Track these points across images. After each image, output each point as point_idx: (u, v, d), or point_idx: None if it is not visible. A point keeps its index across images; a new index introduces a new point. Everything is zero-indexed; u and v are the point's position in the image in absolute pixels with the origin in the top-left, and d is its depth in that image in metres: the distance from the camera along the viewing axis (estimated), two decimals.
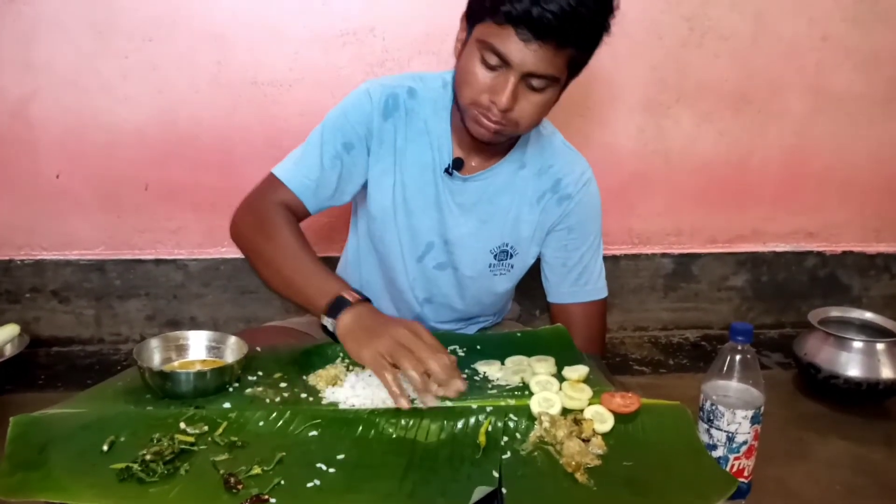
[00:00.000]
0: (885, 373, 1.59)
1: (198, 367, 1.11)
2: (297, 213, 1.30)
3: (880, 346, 1.62)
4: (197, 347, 1.17)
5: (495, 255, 1.38)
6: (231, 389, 1.08)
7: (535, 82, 1.13)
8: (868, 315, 1.77)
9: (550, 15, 1.04)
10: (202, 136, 1.87)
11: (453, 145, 1.31)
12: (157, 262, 1.95)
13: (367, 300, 1.15)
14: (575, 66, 1.16)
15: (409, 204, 1.33)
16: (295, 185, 1.29)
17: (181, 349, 1.17)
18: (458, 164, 1.31)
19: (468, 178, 1.32)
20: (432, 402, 1.03)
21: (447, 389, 1.02)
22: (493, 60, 1.11)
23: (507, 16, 1.06)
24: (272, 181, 1.30)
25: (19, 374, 1.75)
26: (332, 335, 1.14)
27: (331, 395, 1.08)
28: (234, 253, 1.96)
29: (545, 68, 1.10)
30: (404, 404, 1.00)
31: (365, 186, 1.35)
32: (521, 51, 1.08)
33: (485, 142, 1.23)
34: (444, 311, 1.45)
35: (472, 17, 1.15)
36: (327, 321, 1.12)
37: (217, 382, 1.07)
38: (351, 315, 1.09)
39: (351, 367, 1.16)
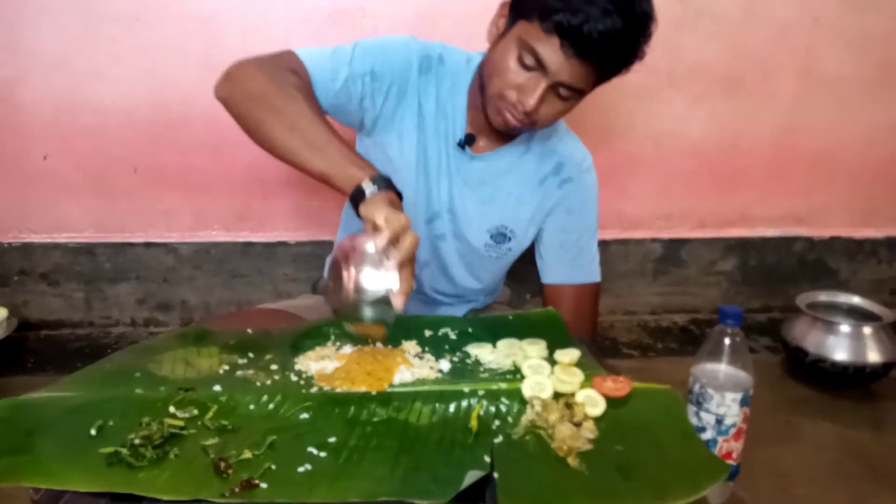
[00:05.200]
0: (872, 357, 1.60)
1: None
2: None
3: (867, 330, 1.63)
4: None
5: (492, 236, 1.40)
6: (221, 372, 1.08)
7: (563, 91, 1.17)
8: (856, 299, 1.78)
9: (597, 35, 1.07)
10: (192, 117, 1.85)
11: (466, 122, 1.33)
12: (148, 245, 1.94)
13: (389, 188, 1.05)
14: (601, 81, 1.20)
15: (429, 168, 1.35)
16: (317, 73, 1.21)
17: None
18: (469, 140, 1.33)
19: (475, 156, 1.35)
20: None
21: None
22: (530, 62, 1.14)
23: (558, 26, 1.08)
24: (290, 55, 1.22)
25: (8, 357, 1.74)
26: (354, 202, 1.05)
27: (315, 368, 1.09)
28: (226, 237, 1.96)
29: (577, 81, 1.15)
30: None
31: (372, 132, 1.34)
32: (561, 62, 1.11)
33: (500, 130, 1.26)
34: (439, 278, 1.47)
35: (518, 12, 1.16)
36: (369, 187, 1.03)
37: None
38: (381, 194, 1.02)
39: (340, 348, 1.16)
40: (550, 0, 1.09)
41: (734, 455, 1.04)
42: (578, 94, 1.19)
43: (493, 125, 1.26)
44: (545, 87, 1.15)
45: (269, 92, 1.12)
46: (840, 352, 1.62)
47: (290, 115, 1.10)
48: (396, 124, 1.32)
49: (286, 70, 1.17)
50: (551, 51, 1.11)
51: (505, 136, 1.35)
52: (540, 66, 1.13)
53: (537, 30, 1.11)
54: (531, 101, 1.15)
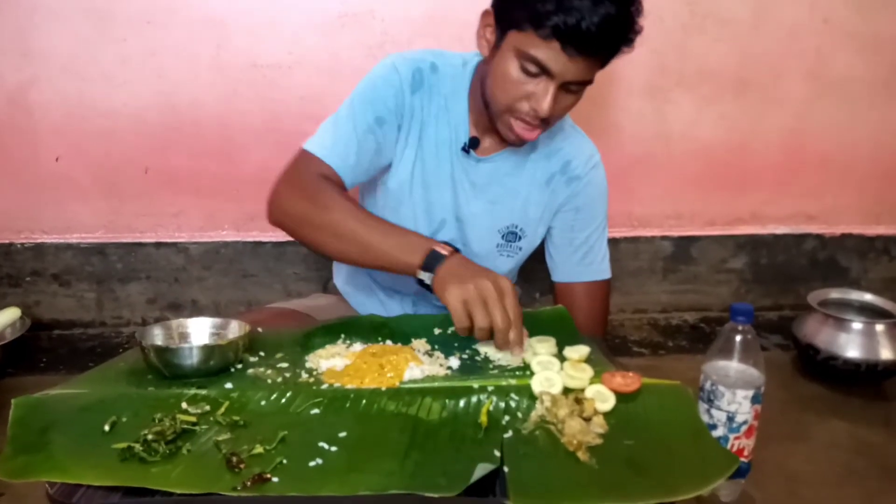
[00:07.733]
0: (884, 354, 1.60)
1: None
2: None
3: (879, 328, 1.62)
4: (199, 334, 1.16)
5: (503, 236, 1.40)
6: (233, 371, 1.08)
7: (572, 87, 1.16)
8: (867, 297, 1.78)
9: (595, 28, 1.06)
10: (202, 120, 1.86)
11: (469, 125, 1.33)
12: (158, 245, 1.95)
13: (456, 250, 1.15)
14: (604, 65, 1.19)
15: (428, 179, 1.35)
16: (334, 161, 1.25)
17: (183, 336, 1.16)
18: (474, 143, 1.33)
19: (481, 158, 1.35)
20: (494, 354, 1.15)
21: (507, 346, 1.08)
22: (533, 69, 1.13)
23: (555, 30, 1.07)
24: (307, 157, 1.26)
25: (21, 357, 1.76)
26: (426, 286, 1.13)
27: (326, 365, 1.10)
28: (235, 236, 1.97)
29: (584, 76, 1.14)
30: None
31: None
32: (565, 63, 1.10)
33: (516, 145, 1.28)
34: None
35: (506, 23, 1.14)
36: (424, 276, 1.11)
37: (221, 359, 1.07)
38: (445, 267, 1.09)
39: (350, 346, 1.17)
40: (540, 6, 1.07)
41: (745, 452, 1.04)
42: (585, 84, 1.18)
43: (507, 141, 1.26)
44: (555, 89, 1.13)
45: (307, 211, 1.20)
46: (852, 349, 1.62)
47: (332, 226, 1.18)
48: (400, 149, 1.33)
49: (315, 177, 1.23)
50: (553, 55, 1.10)
51: None
52: (544, 71, 1.12)
53: (533, 37, 1.09)
54: (545, 107, 1.14)
